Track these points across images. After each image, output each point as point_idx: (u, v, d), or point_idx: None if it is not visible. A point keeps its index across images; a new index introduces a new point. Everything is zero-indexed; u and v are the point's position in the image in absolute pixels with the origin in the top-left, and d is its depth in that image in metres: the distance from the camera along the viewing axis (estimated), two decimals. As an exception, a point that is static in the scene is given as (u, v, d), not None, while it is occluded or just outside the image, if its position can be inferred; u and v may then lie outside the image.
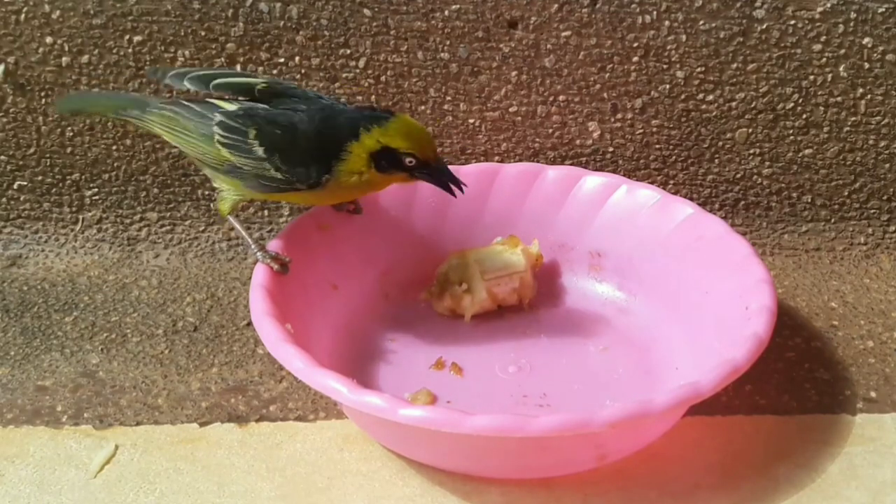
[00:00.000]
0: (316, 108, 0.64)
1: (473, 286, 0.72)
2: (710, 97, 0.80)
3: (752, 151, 0.82)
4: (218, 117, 0.64)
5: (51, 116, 0.79)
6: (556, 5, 0.77)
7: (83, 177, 0.81)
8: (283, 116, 0.64)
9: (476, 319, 0.73)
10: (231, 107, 0.65)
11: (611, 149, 0.81)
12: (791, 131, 0.81)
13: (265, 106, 0.65)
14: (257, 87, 0.66)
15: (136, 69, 0.78)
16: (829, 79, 0.79)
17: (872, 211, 0.83)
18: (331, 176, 0.64)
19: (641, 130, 0.81)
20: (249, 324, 0.73)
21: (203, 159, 0.66)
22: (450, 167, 0.74)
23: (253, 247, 0.67)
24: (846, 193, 0.83)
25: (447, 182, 0.65)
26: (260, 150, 0.63)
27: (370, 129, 0.63)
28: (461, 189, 0.65)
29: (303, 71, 0.79)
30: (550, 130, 0.81)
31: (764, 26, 0.78)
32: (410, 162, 0.64)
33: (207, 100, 0.66)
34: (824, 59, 0.79)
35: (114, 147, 0.80)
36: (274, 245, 0.68)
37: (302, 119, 0.64)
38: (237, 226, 0.69)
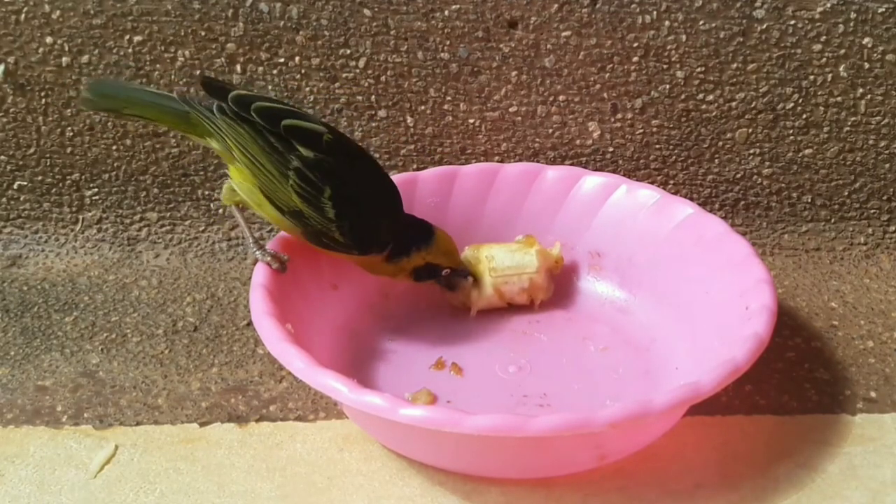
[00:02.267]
0: (381, 184, 0.68)
1: (481, 282, 0.72)
2: (710, 97, 0.80)
3: (752, 151, 0.82)
4: (295, 162, 0.63)
5: (51, 116, 0.79)
6: (556, 5, 0.77)
7: (83, 177, 0.81)
8: (359, 180, 0.66)
9: (478, 317, 0.73)
10: (308, 154, 0.63)
11: (611, 149, 0.81)
12: (791, 131, 0.81)
13: (332, 161, 0.64)
14: (324, 138, 0.64)
15: (136, 69, 0.78)
16: (829, 79, 0.79)
17: (872, 211, 0.83)
18: (384, 257, 0.68)
19: (641, 130, 0.81)
20: (249, 324, 0.73)
21: (269, 194, 0.64)
22: (450, 167, 0.77)
23: (251, 243, 0.67)
24: (846, 193, 0.83)
25: (454, 285, 0.73)
26: (332, 213, 0.64)
27: (420, 250, 0.69)
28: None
29: (303, 71, 0.79)
30: (550, 130, 0.81)
31: (764, 26, 0.78)
32: (446, 272, 0.71)
33: (281, 133, 0.63)
34: (824, 59, 0.79)
35: (114, 147, 0.80)
36: (274, 244, 0.69)
37: (374, 191, 0.67)
38: (238, 217, 0.69)
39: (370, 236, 0.67)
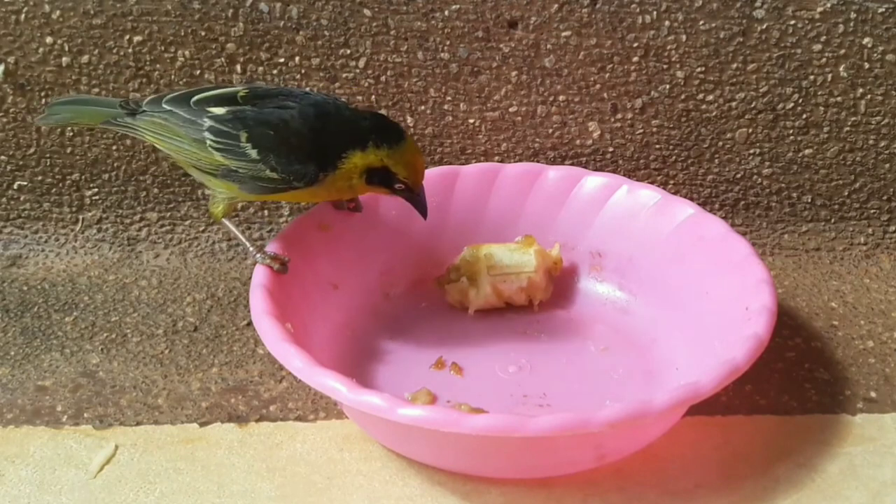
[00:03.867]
0: (307, 103, 0.65)
1: (479, 281, 0.73)
2: (710, 97, 0.80)
3: (752, 151, 0.82)
4: (208, 122, 0.64)
5: (51, 116, 0.79)
6: (556, 5, 0.77)
7: (83, 177, 0.81)
8: (274, 115, 0.64)
9: (478, 317, 0.73)
10: (220, 111, 0.65)
11: (611, 149, 0.81)
12: (791, 131, 0.81)
13: (252, 108, 0.65)
14: (239, 95, 0.66)
15: (136, 69, 0.78)
16: (829, 79, 0.79)
17: (872, 211, 0.83)
18: (326, 174, 0.64)
19: (641, 130, 0.81)
20: (249, 324, 0.73)
21: (197, 165, 0.65)
22: (451, 167, 0.76)
23: (251, 248, 0.67)
24: (846, 193, 0.83)
25: (423, 206, 0.68)
26: (253, 153, 0.64)
27: (379, 146, 0.64)
28: (426, 216, 0.68)
29: (303, 71, 0.79)
30: (550, 130, 0.81)
31: (764, 26, 0.78)
32: (399, 186, 0.66)
33: (194, 106, 0.65)
34: (824, 59, 0.79)
35: (114, 147, 0.80)
36: (274, 245, 0.68)
37: (293, 116, 0.64)
38: (233, 229, 0.69)
39: (299, 163, 0.63)
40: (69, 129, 0.79)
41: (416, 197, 0.67)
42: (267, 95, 0.66)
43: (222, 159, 0.64)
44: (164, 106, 0.66)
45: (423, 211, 0.68)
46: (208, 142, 0.64)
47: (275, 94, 0.66)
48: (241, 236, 0.68)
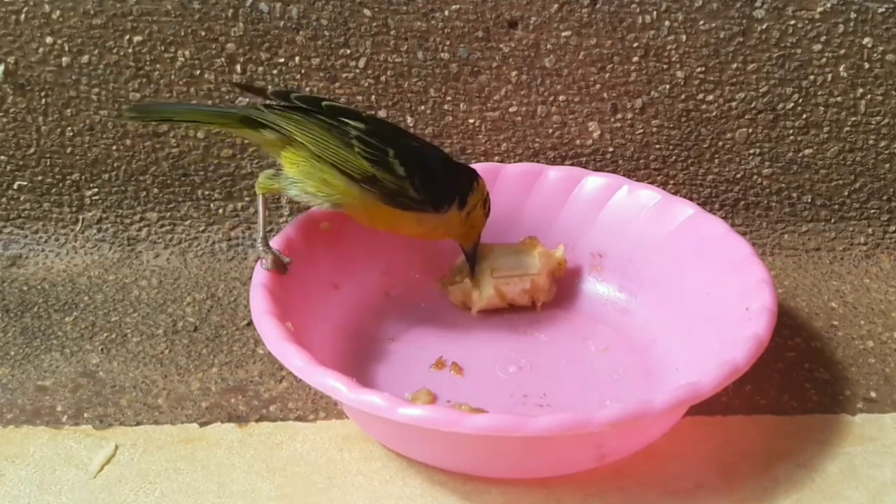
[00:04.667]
0: (427, 146, 0.72)
1: (482, 281, 0.73)
2: (710, 97, 0.80)
3: (752, 151, 0.82)
4: (353, 132, 0.66)
5: (51, 116, 0.79)
6: (556, 5, 0.77)
7: (83, 177, 0.81)
8: (410, 144, 0.69)
9: (478, 317, 0.73)
10: (359, 125, 0.67)
11: (611, 149, 0.81)
12: (791, 131, 0.81)
13: (382, 130, 0.68)
14: (363, 115, 0.69)
15: (136, 69, 0.78)
16: (829, 79, 0.79)
17: (872, 211, 0.83)
18: (454, 207, 0.69)
19: (641, 130, 0.81)
20: (249, 324, 0.73)
21: (340, 164, 0.66)
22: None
23: (259, 242, 0.67)
24: (846, 193, 0.83)
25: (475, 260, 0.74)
26: (401, 170, 0.67)
27: (478, 181, 0.71)
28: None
29: (303, 71, 0.79)
30: (550, 130, 0.81)
31: (764, 26, 0.78)
32: (486, 214, 0.72)
33: (327, 113, 0.67)
34: (824, 59, 0.79)
35: (114, 147, 0.80)
36: (274, 244, 0.68)
37: (426, 151, 0.70)
38: (261, 209, 0.69)
39: (438, 190, 0.68)
40: (69, 128, 0.79)
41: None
42: (382, 123, 0.71)
43: (369, 167, 0.66)
44: (297, 103, 0.67)
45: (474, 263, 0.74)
46: (357, 148, 0.66)
47: (389, 125, 0.72)
48: (261, 221, 0.69)
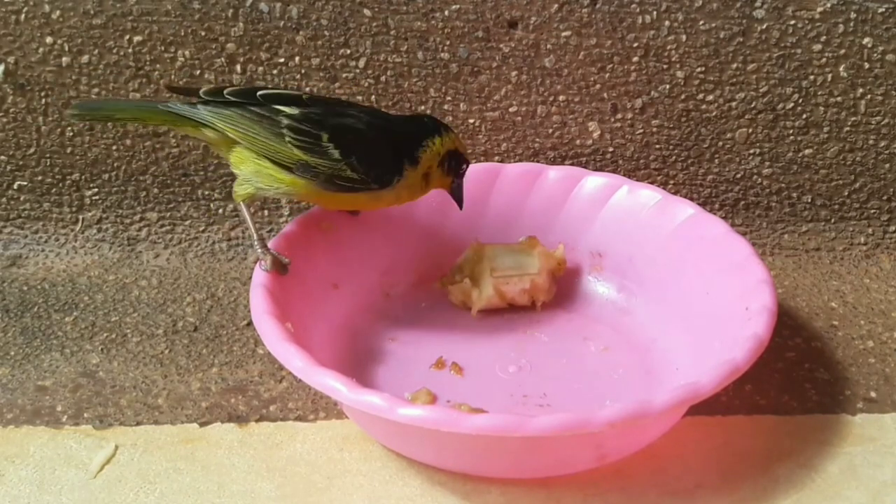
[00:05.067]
0: (363, 112, 0.69)
1: (481, 281, 0.73)
2: (710, 97, 0.80)
3: (752, 151, 0.82)
4: (285, 121, 0.66)
5: (51, 116, 0.79)
6: (556, 5, 0.77)
7: (83, 177, 0.81)
8: (347, 121, 0.67)
9: (478, 317, 0.73)
10: (292, 111, 0.66)
11: (611, 149, 0.81)
12: (791, 131, 0.81)
13: (319, 111, 0.67)
14: (303, 97, 0.68)
15: (136, 69, 0.78)
16: (829, 79, 0.79)
17: (872, 211, 0.83)
18: (401, 177, 0.67)
19: (641, 130, 0.81)
20: (249, 324, 0.73)
21: (272, 156, 0.66)
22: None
23: (256, 244, 0.67)
24: (846, 193, 0.83)
25: (461, 196, 0.71)
26: (335, 153, 0.66)
27: (446, 133, 0.69)
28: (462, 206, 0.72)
29: (303, 71, 0.79)
30: (550, 130, 0.81)
31: (764, 26, 0.78)
32: (464, 169, 0.70)
33: (261, 103, 0.67)
34: (824, 59, 0.79)
35: (114, 147, 0.80)
36: (274, 244, 0.68)
37: (369, 124, 0.68)
38: (247, 215, 0.69)
39: (382, 165, 0.67)
40: (69, 128, 0.79)
41: (461, 184, 0.71)
42: (324, 102, 0.69)
43: (301, 154, 0.66)
44: (230, 98, 0.67)
45: (460, 201, 0.71)
46: (287, 138, 0.66)
47: (332, 103, 0.70)
48: (251, 227, 0.68)
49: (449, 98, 0.80)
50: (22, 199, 0.81)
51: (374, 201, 0.68)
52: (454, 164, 0.70)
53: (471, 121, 0.81)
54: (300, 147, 0.65)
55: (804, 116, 0.81)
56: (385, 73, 0.79)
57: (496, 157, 0.81)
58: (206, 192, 0.81)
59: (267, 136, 0.66)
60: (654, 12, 0.78)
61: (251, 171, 0.67)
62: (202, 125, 0.67)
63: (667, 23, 0.78)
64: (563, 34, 0.78)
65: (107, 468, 0.63)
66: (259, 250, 0.67)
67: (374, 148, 0.67)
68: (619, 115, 0.81)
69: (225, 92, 0.67)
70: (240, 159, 0.67)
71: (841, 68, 0.79)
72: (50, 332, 0.74)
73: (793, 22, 0.78)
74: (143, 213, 0.82)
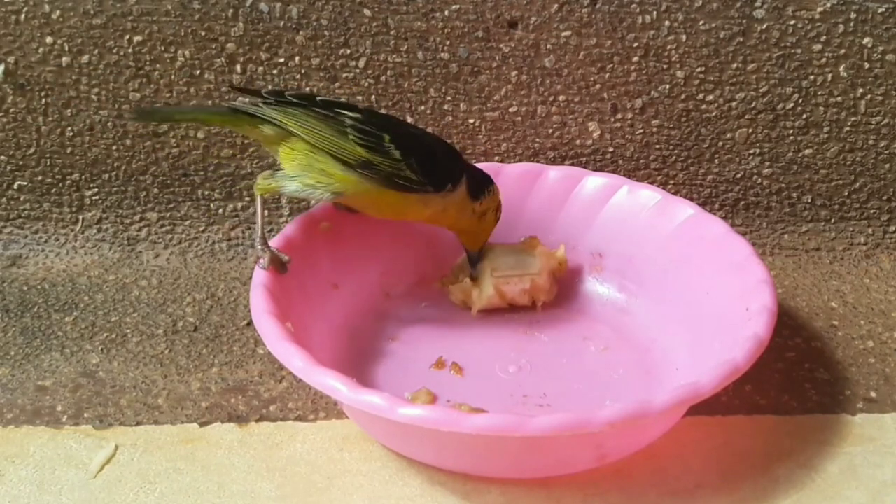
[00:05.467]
0: (428, 134, 0.74)
1: (482, 281, 0.73)
2: (710, 97, 0.80)
3: (752, 151, 0.82)
4: (348, 121, 0.68)
5: (51, 116, 0.79)
6: (556, 5, 0.77)
7: (83, 177, 0.81)
8: (409, 129, 0.72)
9: (478, 317, 0.73)
10: (354, 114, 0.68)
11: (611, 149, 0.81)
12: (791, 131, 0.81)
13: (379, 118, 0.70)
14: (359, 107, 0.70)
15: (136, 69, 0.78)
16: (829, 79, 0.79)
17: (872, 211, 0.83)
18: (459, 187, 0.70)
19: (641, 130, 0.81)
20: (249, 324, 0.73)
21: (336, 152, 0.67)
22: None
23: (258, 241, 0.67)
24: (846, 193, 0.83)
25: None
26: (397, 153, 0.67)
27: (494, 187, 0.72)
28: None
29: (303, 71, 0.79)
30: (550, 130, 0.81)
31: (764, 26, 0.78)
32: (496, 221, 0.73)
33: (323, 105, 0.69)
34: (824, 59, 0.79)
35: (114, 147, 0.80)
36: (274, 244, 0.68)
37: (429, 136, 0.73)
38: (259, 209, 0.69)
39: (438, 171, 0.69)
40: (69, 128, 0.79)
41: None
42: (380, 114, 0.73)
43: (364, 152, 0.67)
44: (292, 99, 0.69)
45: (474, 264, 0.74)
46: (351, 136, 0.67)
47: (387, 116, 0.74)
48: (259, 221, 0.69)
49: (449, 98, 0.80)
50: (22, 199, 0.81)
51: (422, 206, 0.69)
52: (499, 215, 0.73)
53: (471, 121, 0.81)
54: (363, 145, 0.67)
55: (804, 116, 0.81)
56: (385, 73, 0.79)
57: (496, 157, 0.81)
58: (206, 192, 0.81)
59: (332, 132, 0.67)
60: (654, 12, 0.78)
61: (303, 165, 0.68)
62: (262, 122, 0.68)
63: (667, 23, 0.78)
64: (563, 34, 0.78)
65: (107, 468, 0.63)
66: (259, 247, 0.67)
67: (433, 155, 0.69)
68: (619, 115, 0.81)
69: (287, 93, 0.69)
70: (292, 154, 0.68)
71: (841, 68, 0.79)
72: (50, 332, 0.74)
73: (793, 22, 0.78)
74: (143, 213, 0.82)
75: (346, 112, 0.68)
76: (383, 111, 0.80)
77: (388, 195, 0.68)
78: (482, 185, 0.71)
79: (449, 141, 0.81)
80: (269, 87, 0.71)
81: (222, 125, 0.77)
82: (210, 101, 0.79)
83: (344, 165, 0.67)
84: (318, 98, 0.69)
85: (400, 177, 0.67)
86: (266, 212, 0.82)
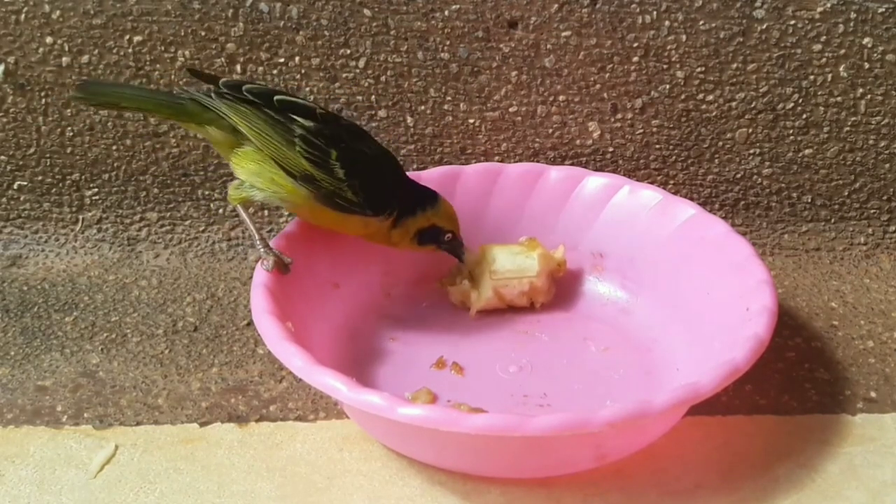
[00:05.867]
0: (381, 152, 0.70)
1: (480, 283, 0.73)
2: (710, 97, 0.80)
3: (752, 151, 0.82)
4: (298, 131, 0.66)
5: (51, 116, 0.79)
6: (556, 5, 0.77)
7: (83, 177, 0.81)
8: (359, 146, 0.69)
9: (479, 318, 0.73)
10: (307, 123, 0.67)
11: (611, 149, 0.81)
12: (791, 131, 0.81)
13: (331, 130, 0.68)
14: (318, 111, 0.68)
15: (136, 69, 0.78)
16: (829, 79, 0.79)
17: (872, 211, 0.83)
18: (392, 215, 0.69)
19: (641, 130, 0.81)
20: (249, 324, 0.73)
21: (280, 160, 0.66)
22: (452, 167, 0.77)
23: (258, 243, 0.67)
24: (846, 193, 0.83)
25: (460, 254, 0.73)
26: (341, 172, 0.66)
27: (426, 210, 0.70)
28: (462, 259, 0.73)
29: (303, 71, 0.79)
30: (550, 130, 0.81)
31: (764, 26, 0.78)
32: (448, 237, 0.71)
33: (277, 108, 0.67)
34: (824, 59, 0.79)
35: (114, 147, 0.80)
36: (275, 244, 0.68)
37: (379, 156, 0.70)
38: (245, 217, 0.69)
39: (381, 195, 0.68)
40: (69, 128, 0.79)
41: (457, 245, 0.72)
42: (337, 122, 0.69)
43: (308, 166, 0.66)
44: (248, 95, 0.67)
45: (459, 257, 0.73)
46: (298, 147, 0.66)
47: (346, 125, 0.70)
48: (251, 227, 0.69)
49: (449, 98, 0.80)
50: (22, 199, 0.81)
51: (362, 227, 0.69)
52: (428, 238, 0.71)
53: (471, 121, 0.81)
54: (308, 158, 0.66)
55: (804, 116, 0.81)
56: (385, 73, 0.79)
57: (496, 157, 0.82)
58: (206, 192, 0.81)
59: (279, 140, 0.66)
60: (654, 12, 0.78)
61: (252, 172, 0.67)
62: (209, 122, 0.67)
63: (667, 23, 0.78)
64: (563, 34, 0.78)
65: (107, 468, 0.63)
66: (262, 250, 0.67)
67: (378, 178, 0.68)
68: (619, 115, 0.81)
69: (244, 88, 0.67)
70: (243, 159, 0.67)
71: (841, 68, 0.79)
72: (50, 332, 0.74)
73: (793, 22, 0.78)
74: (143, 213, 0.82)
75: (301, 119, 0.67)
76: (383, 112, 0.80)
77: (327, 211, 0.67)
78: (410, 207, 0.69)
79: (448, 141, 0.81)
80: (227, 78, 0.69)
81: (168, 118, 0.74)
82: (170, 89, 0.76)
83: (288, 175, 0.66)
84: (276, 98, 0.67)
85: (341, 197, 0.67)
86: (266, 212, 0.82)
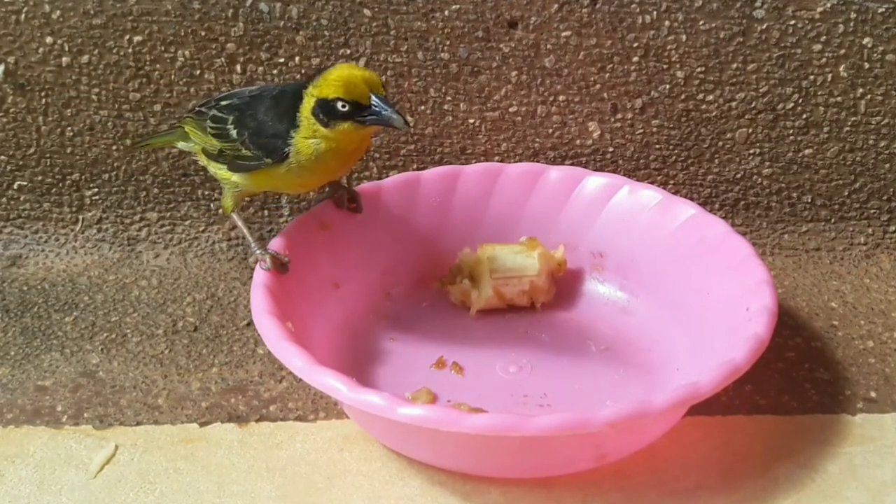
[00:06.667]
0: (278, 90, 0.66)
1: (481, 283, 0.73)
2: (710, 97, 0.80)
3: (752, 151, 0.82)
4: (211, 112, 0.68)
5: (51, 116, 0.79)
6: (556, 5, 0.77)
7: (83, 177, 0.81)
8: (253, 101, 0.67)
9: (479, 318, 0.73)
10: (228, 101, 0.68)
11: (611, 149, 0.81)
12: (791, 131, 0.81)
13: (246, 98, 0.68)
14: (248, 92, 0.69)
15: (136, 69, 0.78)
16: (829, 79, 0.79)
17: (872, 211, 0.83)
18: (290, 146, 0.64)
19: (641, 130, 0.81)
20: (249, 324, 0.73)
21: (206, 149, 0.68)
22: (452, 167, 0.76)
23: (254, 246, 0.67)
24: (846, 193, 0.83)
25: (389, 119, 0.62)
26: (234, 133, 0.66)
27: (307, 89, 0.63)
28: (407, 122, 0.63)
29: (303, 71, 0.79)
30: (550, 130, 0.81)
31: (764, 26, 0.78)
32: (343, 107, 0.62)
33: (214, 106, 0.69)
34: (824, 59, 0.79)
35: (114, 147, 0.80)
36: (274, 244, 0.68)
37: (263, 99, 0.66)
38: (240, 223, 0.70)
39: (268, 138, 0.64)
40: (69, 128, 0.79)
41: (378, 113, 0.62)
42: (277, 88, 0.68)
43: (216, 142, 0.67)
44: (199, 108, 0.70)
45: (388, 124, 0.62)
46: (208, 129, 0.67)
47: (272, 88, 0.69)
48: (246, 233, 0.69)
49: (449, 98, 0.80)
50: (22, 199, 0.81)
51: (294, 177, 0.65)
52: (328, 113, 0.62)
53: (471, 121, 0.81)
54: (215, 134, 0.67)
55: (804, 116, 0.81)
56: (385, 73, 0.79)
57: (496, 157, 0.81)
58: (206, 192, 0.81)
59: (199, 130, 0.68)
60: (654, 12, 0.78)
61: (213, 174, 0.69)
62: (185, 140, 0.71)
63: (667, 23, 0.78)
64: (563, 34, 0.78)
65: (107, 468, 0.63)
66: (258, 252, 0.67)
67: (264, 122, 0.65)
68: (619, 115, 0.81)
69: (215, 100, 0.70)
70: (205, 164, 0.70)
71: (841, 68, 0.79)
72: (50, 332, 0.74)
73: (793, 22, 0.78)
74: (143, 213, 0.82)
75: (223, 101, 0.67)
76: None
77: (253, 176, 0.66)
78: (293, 112, 0.63)
79: (448, 141, 0.81)
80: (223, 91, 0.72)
81: (178, 141, 0.73)
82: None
83: (212, 161, 0.68)
84: (221, 95, 0.69)
85: (240, 157, 0.66)
86: (266, 212, 0.82)
